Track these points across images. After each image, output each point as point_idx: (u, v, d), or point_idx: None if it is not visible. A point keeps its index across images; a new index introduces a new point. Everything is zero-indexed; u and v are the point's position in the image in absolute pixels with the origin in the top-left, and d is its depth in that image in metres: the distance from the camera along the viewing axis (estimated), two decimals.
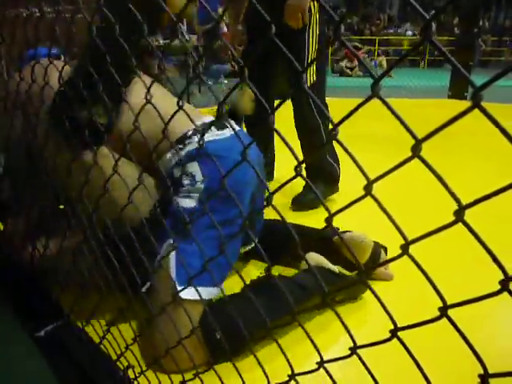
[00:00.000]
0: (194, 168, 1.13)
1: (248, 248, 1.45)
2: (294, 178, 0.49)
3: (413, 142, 0.37)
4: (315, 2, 1.91)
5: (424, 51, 12.95)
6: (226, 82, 7.42)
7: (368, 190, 0.42)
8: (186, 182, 1.14)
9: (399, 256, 0.42)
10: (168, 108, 0.72)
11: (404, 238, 0.41)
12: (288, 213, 2.09)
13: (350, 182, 2.14)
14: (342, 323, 0.51)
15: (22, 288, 1.42)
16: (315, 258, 1.35)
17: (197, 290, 0.73)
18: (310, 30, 1.92)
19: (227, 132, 1.22)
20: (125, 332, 0.99)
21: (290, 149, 0.48)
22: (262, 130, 2.23)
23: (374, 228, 1.41)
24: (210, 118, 1.30)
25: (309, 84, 1.93)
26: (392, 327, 0.46)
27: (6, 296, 1.43)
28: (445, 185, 0.37)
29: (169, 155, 1.18)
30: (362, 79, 9.43)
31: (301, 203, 2.12)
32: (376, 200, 0.43)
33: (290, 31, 1.84)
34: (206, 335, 0.99)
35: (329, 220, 0.47)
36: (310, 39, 1.93)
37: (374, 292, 0.47)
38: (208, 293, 1.01)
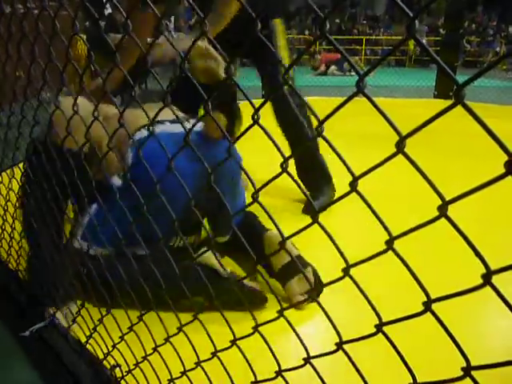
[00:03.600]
0: (129, 154, 1.32)
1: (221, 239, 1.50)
2: (279, 174, 0.50)
3: (397, 139, 0.37)
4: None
5: (409, 51, 13.05)
6: None
7: (353, 186, 0.43)
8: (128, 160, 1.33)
9: (384, 251, 0.42)
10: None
11: (388, 233, 0.41)
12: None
13: (337, 179, 2.19)
14: (328, 318, 0.51)
15: (7, 287, 1.41)
16: (207, 257, 1.32)
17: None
18: (281, 36, 2.10)
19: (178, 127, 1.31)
20: (111, 331, 0.98)
21: (276, 144, 0.48)
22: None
23: (359, 224, 1.42)
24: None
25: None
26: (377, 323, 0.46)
27: None
28: (428, 181, 0.37)
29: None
30: (338, 78, 9.63)
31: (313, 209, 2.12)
32: (361, 196, 0.43)
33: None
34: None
35: (315, 217, 0.47)
36: (282, 45, 2.11)
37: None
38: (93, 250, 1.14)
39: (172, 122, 1.35)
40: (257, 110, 0.50)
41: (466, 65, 12.22)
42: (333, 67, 10.61)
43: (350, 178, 0.44)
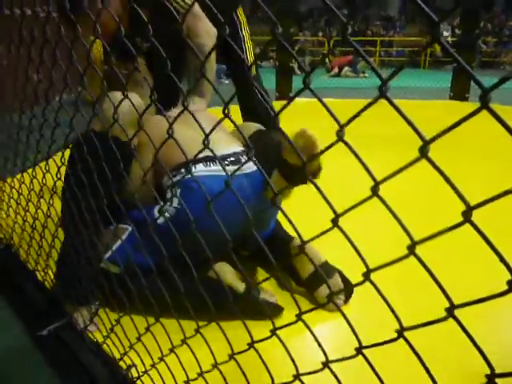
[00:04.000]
0: (177, 194, 1.27)
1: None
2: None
3: (418, 142, 0.37)
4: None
5: (425, 52, 12.93)
6: (227, 82, 7.41)
7: (375, 190, 0.43)
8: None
9: (406, 256, 0.42)
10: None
11: (410, 238, 0.41)
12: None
13: (357, 183, 2.16)
14: (349, 324, 0.51)
15: (25, 287, 1.43)
16: (223, 269, 1.32)
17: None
18: (244, 30, 2.16)
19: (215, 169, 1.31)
20: (128, 331, 0.99)
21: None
22: None
23: (378, 228, 1.41)
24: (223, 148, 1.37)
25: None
26: (398, 328, 0.46)
27: (10, 295, 1.43)
28: (452, 186, 0.37)
29: (165, 178, 1.35)
30: (351, 80, 9.60)
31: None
32: (383, 201, 0.43)
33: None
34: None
35: (335, 220, 0.47)
36: (245, 38, 2.17)
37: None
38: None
39: (210, 160, 1.33)
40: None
41: (482, 65, 12.07)
42: (346, 69, 10.57)
43: (369, 182, 0.44)
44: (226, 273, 1.30)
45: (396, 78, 0.38)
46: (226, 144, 1.41)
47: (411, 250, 0.41)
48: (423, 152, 0.37)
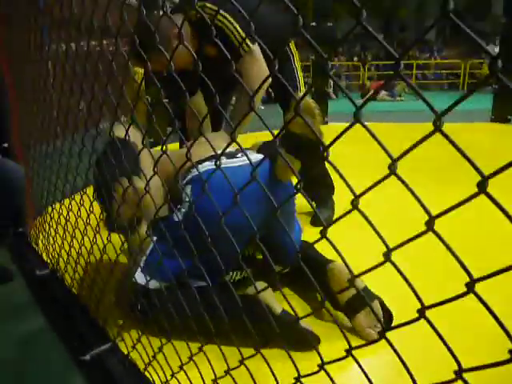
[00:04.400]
0: (188, 190, 1.33)
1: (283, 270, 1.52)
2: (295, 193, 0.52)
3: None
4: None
5: (464, 74, 12.72)
6: (262, 107, 7.49)
7: (355, 204, 0.43)
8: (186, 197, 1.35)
9: (383, 263, 0.43)
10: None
11: (386, 245, 0.40)
12: None
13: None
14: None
15: (69, 311, 1.46)
16: (261, 287, 1.28)
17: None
18: (296, 61, 2.20)
19: (236, 162, 1.36)
20: (170, 359, 0.99)
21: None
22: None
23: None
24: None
25: None
26: (381, 327, 0.44)
27: (54, 319, 1.47)
28: (416, 197, 0.41)
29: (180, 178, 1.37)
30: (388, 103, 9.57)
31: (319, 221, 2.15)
32: (362, 213, 0.47)
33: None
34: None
35: (323, 232, 0.47)
36: (297, 68, 2.20)
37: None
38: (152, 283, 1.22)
39: (230, 155, 1.38)
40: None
41: None
42: (383, 92, 10.52)
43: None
44: (265, 291, 1.24)
45: (434, 101, 0.38)
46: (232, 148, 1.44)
47: (387, 257, 0.45)
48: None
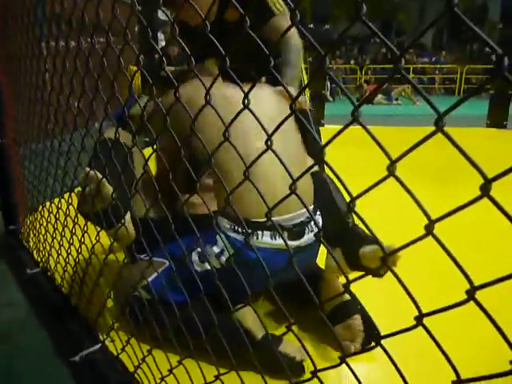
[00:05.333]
0: (230, 251, 1.17)
1: None
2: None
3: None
4: None
5: (460, 79, 12.76)
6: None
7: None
8: (215, 247, 1.19)
9: (380, 267, 0.39)
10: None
11: (383, 250, 0.38)
12: None
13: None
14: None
15: (59, 310, 1.44)
16: (244, 311, 1.19)
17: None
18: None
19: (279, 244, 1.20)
20: (160, 363, 0.97)
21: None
22: None
23: None
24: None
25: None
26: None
27: (43, 318, 1.45)
28: (416, 201, 0.40)
29: (224, 221, 1.20)
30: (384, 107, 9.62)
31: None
32: (358, 215, 0.47)
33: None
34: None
35: (318, 237, 0.44)
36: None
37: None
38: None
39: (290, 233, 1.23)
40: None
41: None
42: (380, 96, 10.52)
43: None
44: (247, 315, 1.20)
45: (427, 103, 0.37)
46: (294, 206, 1.22)
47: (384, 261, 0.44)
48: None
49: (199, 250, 1.19)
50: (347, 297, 1.31)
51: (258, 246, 1.17)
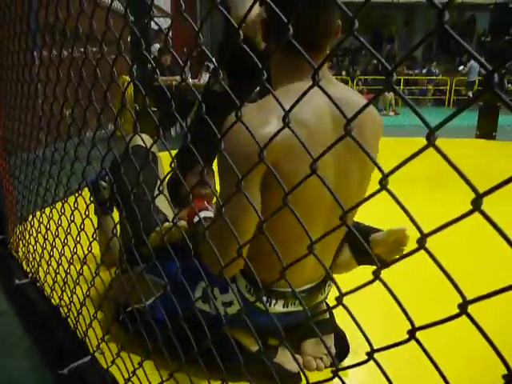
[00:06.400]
0: (240, 308, 1.10)
1: None
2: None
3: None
4: None
5: (450, 90, 12.91)
6: None
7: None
8: (225, 295, 1.12)
9: (372, 281, 0.41)
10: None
11: (375, 263, 0.39)
12: None
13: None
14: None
15: (48, 322, 1.42)
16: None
17: None
18: None
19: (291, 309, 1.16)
20: (150, 375, 0.96)
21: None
22: None
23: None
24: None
25: None
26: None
27: (32, 329, 1.42)
28: (409, 216, 0.40)
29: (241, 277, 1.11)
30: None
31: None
32: (350, 229, 0.48)
33: None
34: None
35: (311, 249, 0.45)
36: None
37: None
38: None
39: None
40: None
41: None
42: None
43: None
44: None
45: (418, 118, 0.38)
46: (311, 274, 1.16)
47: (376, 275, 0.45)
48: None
49: (204, 285, 1.11)
50: (326, 316, 1.29)
51: (272, 312, 1.09)
